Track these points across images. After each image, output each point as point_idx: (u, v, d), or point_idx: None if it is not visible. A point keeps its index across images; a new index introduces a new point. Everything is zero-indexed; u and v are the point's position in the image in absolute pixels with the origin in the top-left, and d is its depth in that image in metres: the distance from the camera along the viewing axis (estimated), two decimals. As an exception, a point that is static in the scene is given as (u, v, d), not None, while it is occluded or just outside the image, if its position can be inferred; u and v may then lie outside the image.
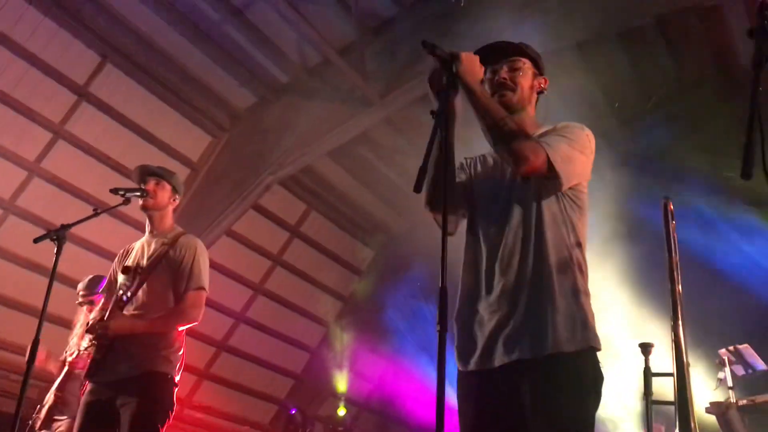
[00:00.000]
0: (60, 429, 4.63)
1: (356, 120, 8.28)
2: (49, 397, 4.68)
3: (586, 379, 2.09)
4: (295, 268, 10.53)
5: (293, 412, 10.70)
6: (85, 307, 4.94)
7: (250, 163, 8.76)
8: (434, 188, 2.21)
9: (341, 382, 11.00)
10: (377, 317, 10.82)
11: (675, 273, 2.98)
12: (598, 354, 2.15)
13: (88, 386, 3.25)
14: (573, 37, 6.89)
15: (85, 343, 4.47)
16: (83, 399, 3.22)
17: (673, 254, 3.09)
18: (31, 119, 7.66)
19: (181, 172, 8.94)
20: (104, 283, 4.74)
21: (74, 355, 4.65)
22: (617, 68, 7.88)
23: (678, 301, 2.92)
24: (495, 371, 2.12)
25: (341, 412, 10.89)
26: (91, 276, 5.09)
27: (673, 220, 3.20)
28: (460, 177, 2.43)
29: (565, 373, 2.06)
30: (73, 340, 4.88)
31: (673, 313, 2.90)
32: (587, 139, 2.29)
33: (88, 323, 4.59)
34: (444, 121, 2.04)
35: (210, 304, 9.70)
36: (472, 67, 2.18)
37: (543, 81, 2.44)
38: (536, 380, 2.07)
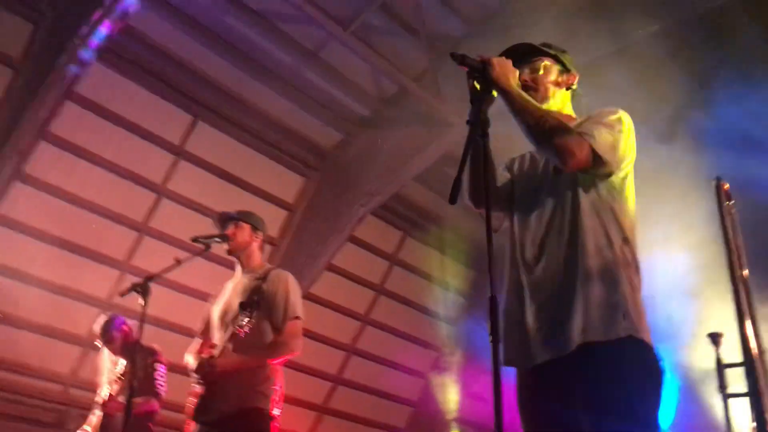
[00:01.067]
0: None
1: (438, 142, 8.37)
2: None
3: (627, 370, 2.01)
4: (399, 295, 10.63)
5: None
6: (105, 348, 5.09)
7: (342, 197, 9.00)
8: (477, 194, 2.24)
9: (456, 406, 10.90)
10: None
11: (735, 257, 2.82)
12: (653, 345, 2.07)
13: (193, 426, 3.42)
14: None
15: (106, 388, 4.67)
16: None
17: (731, 237, 2.92)
18: (136, 182, 8.21)
19: (279, 215, 9.30)
20: (118, 322, 5.05)
21: (106, 397, 4.69)
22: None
23: (741, 286, 2.75)
24: (541, 368, 2.10)
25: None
26: (103, 319, 5.23)
27: (729, 200, 3.04)
28: (504, 177, 2.44)
29: (601, 363, 2.01)
30: (103, 381, 4.96)
31: (735, 299, 2.73)
32: (625, 121, 2.25)
33: (116, 364, 4.90)
34: (479, 129, 2.06)
35: (320, 339, 10.00)
36: (506, 70, 2.19)
37: (571, 77, 2.42)
38: (576, 373, 2.04)
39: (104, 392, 4.75)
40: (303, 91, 8.48)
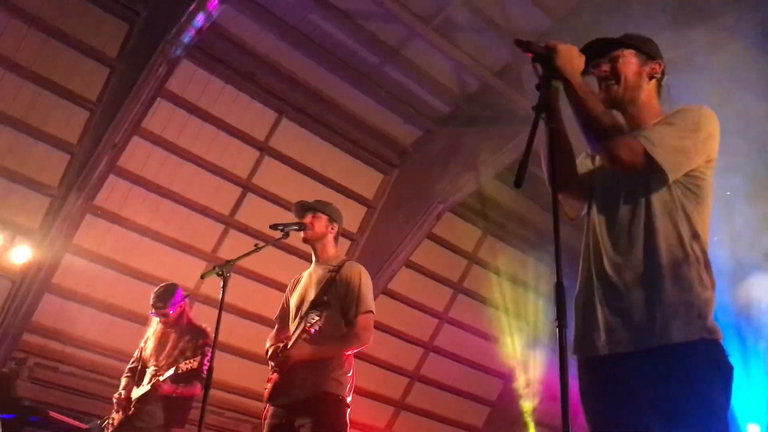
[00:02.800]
0: None
1: (520, 138, 8.25)
2: (127, 407, 4.51)
3: (700, 372, 1.96)
4: (478, 294, 10.55)
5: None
6: (157, 319, 4.76)
7: (421, 194, 9.01)
8: (554, 175, 2.20)
9: (535, 407, 10.72)
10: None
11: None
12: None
13: (270, 409, 3.51)
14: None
15: (152, 364, 4.51)
16: (267, 422, 3.48)
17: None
18: (223, 177, 8.49)
19: (359, 211, 9.42)
20: (178, 296, 4.74)
21: (161, 378, 4.41)
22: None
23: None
24: (607, 359, 2.06)
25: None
26: (163, 286, 4.88)
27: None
28: (585, 166, 2.39)
29: (674, 365, 1.97)
30: (147, 352, 4.70)
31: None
32: (702, 120, 2.16)
33: (161, 334, 4.72)
34: (546, 114, 2.04)
35: (399, 335, 10.06)
36: (571, 58, 2.15)
37: (656, 66, 2.34)
38: (645, 372, 2.00)
39: (149, 369, 4.58)
40: (384, 88, 8.54)
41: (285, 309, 3.80)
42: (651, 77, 2.32)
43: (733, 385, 2.00)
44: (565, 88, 2.14)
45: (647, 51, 2.34)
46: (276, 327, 3.80)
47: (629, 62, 2.30)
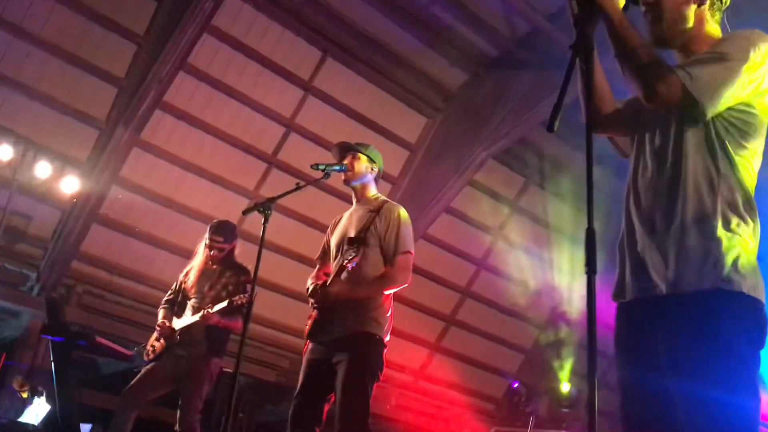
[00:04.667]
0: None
1: (571, 85, 8.02)
2: (172, 336, 4.56)
3: (716, 323, 1.86)
4: (517, 242, 10.50)
5: (515, 385, 10.70)
6: (203, 252, 4.73)
7: (465, 140, 8.91)
8: (589, 116, 2.12)
9: (569, 358, 10.78)
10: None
11: None
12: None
13: (309, 345, 3.58)
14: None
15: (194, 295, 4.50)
16: (306, 357, 3.56)
17: None
18: (267, 115, 8.51)
19: (401, 155, 9.37)
20: (235, 232, 4.75)
21: (212, 310, 4.40)
22: None
23: None
24: (632, 305, 2.03)
25: (565, 387, 10.70)
26: (221, 222, 4.84)
27: None
28: (632, 98, 2.31)
29: (688, 315, 1.89)
30: (188, 284, 4.71)
31: None
32: (750, 45, 1.97)
33: (203, 267, 4.70)
34: (582, 53, 1.96)
35: (435, 279, 10.12)
36: None
37: None
38: (662, 319, 1.94)
39: (191, 300, 4.62)
40: (432, 29, 8.37)
41: (326, 249, 3.83)
42: (701, 3, 2.13)
43: (763, 341, 1.90)
44: (604, 22, 2.05)
45: None
46: (317, 267, 3.84)
47: None
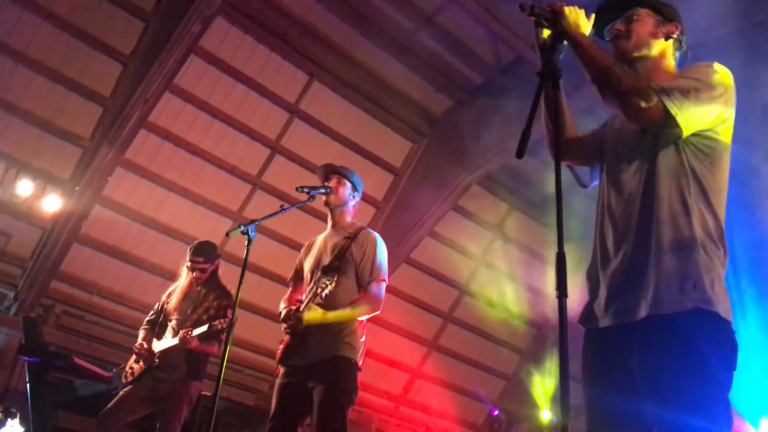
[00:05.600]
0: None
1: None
2: (150, 358, 4.52)
3: (693, 344, 1.88)
4: (500, 268, 10.52)
5: (495, 412, 10.65)
6: (187, 273, 4.70)
7: (449, 165, 8.96)
8: (558, 142, 2.16)
9: (550, 386, 10.77)
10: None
11: None
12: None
13: (282, 370, 3.56)
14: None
15: (174, 317, 4.45)
16: (279, 381, 3.54)
17: None
18: (252, 137, 8.51)
19: (385, 179, 9.40)
20: (216, 253, 4.70)
21: (192, 333, 4.37)
22: None
23: None
24: (605, 331, 2.04)
25: (545, 414, 10.67)
26: (202, 242, 4.82)
27: None
28: (597, 133, 2.36)
29: (668, 337, 1.90)
30: (170, 305, 4.67)
31: None
32: (716, 77, 2.06)
33: (187, 290, 4.63)
34: (549, 80, 2.00)
35: (418, 303, 10.09)
36: (576, 20, 2.11)
37: (672, 27, 2.26)
38: (640, 343, 1.95)
39: (171, 322, 4.57)
40: (418, 55, 8.45)
41: (299, 271, 3.83)
42: (667, 37, 2.26)
43: (735, 363, 1.92)
44: (573, 48, 2.10)
45: (664, 12, 2.28)
46: (290, 289, 3.84)
47: (644, 21, 2.24)
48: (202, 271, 4.68)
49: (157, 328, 4.69)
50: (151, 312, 4.84)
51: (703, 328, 1.92)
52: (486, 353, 11.12)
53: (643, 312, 1.96)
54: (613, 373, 2.03)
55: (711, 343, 1.90)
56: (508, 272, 10.46)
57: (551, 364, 10.82)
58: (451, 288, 10.48)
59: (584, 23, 2.15)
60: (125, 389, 4.55)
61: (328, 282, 3.50)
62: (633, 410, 1.95)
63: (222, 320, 4.35)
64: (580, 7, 2.18)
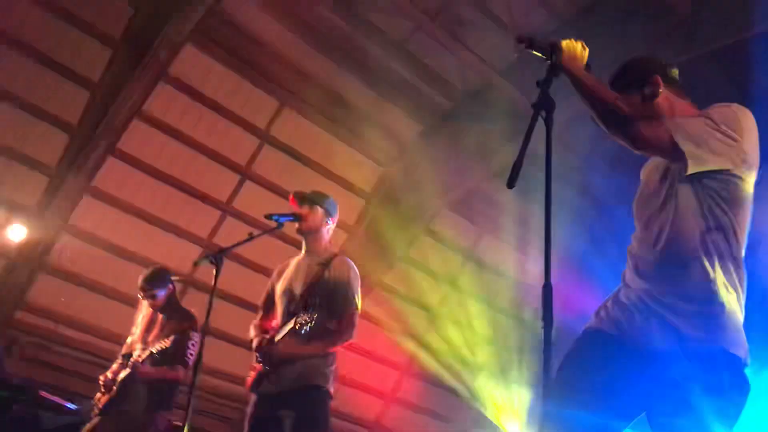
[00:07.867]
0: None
1: (522, 138, 8.21)
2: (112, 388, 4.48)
3: (727, 393, 1.92)
4: (473, 293, 10.53)
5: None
6: (146, 301, 4.69)
7: (420, 189, 9.00)
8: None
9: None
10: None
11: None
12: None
13: (253, 398, 3.53)
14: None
15: (137, 347, 4.45)
16: (250, 410, 3.50)
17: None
18: (222, 163, 8.47)
19: (356, 203, 9.40)
20: (166, 279, 4.65)
21: (141, 359, 4.37)
22: None
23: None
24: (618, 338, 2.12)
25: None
26: (152, 269, 4.82)
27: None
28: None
29: (700, 374, 1.92)
30: (135, 335, 4.65)
31: None
32: (736, 117, 2.05)
33: (150, 318, 4.59)
34: (544, 112, 2.02)
35: (392, 329, 10.04)
36: (574, 54, 2.13)
37: (653, 87, 2.25)
38: (670, 372, 1.98)
39: (135, 352, 4.50)
40: (387, 81, 8.51)
41: (270, 296, 3.80)
42: (652, 97, 2.23)
43: (743, 406, 1.96)
44: (573, 83, 2.12)
45: (639, 77, 2.27)
46: (260, 314, 3.81)
47: (630, 99, 2.22)
48: (154, 297, 4.62)
49: (128, 359, 4.62)
50: (125, 344, 4.79)
51: (732, 373, 1.96)
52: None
53: (671, 344, 1.99)
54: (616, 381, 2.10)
55: (738, 393, 1.97)
56: (483, 297, 10.47)
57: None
58: (425, 311, 10.45)
59: (581, 55, 2.16)
60: (92, 422, 4.46)
61: (307, 319, 3.45)
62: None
63: (162, 340, 4.28)
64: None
